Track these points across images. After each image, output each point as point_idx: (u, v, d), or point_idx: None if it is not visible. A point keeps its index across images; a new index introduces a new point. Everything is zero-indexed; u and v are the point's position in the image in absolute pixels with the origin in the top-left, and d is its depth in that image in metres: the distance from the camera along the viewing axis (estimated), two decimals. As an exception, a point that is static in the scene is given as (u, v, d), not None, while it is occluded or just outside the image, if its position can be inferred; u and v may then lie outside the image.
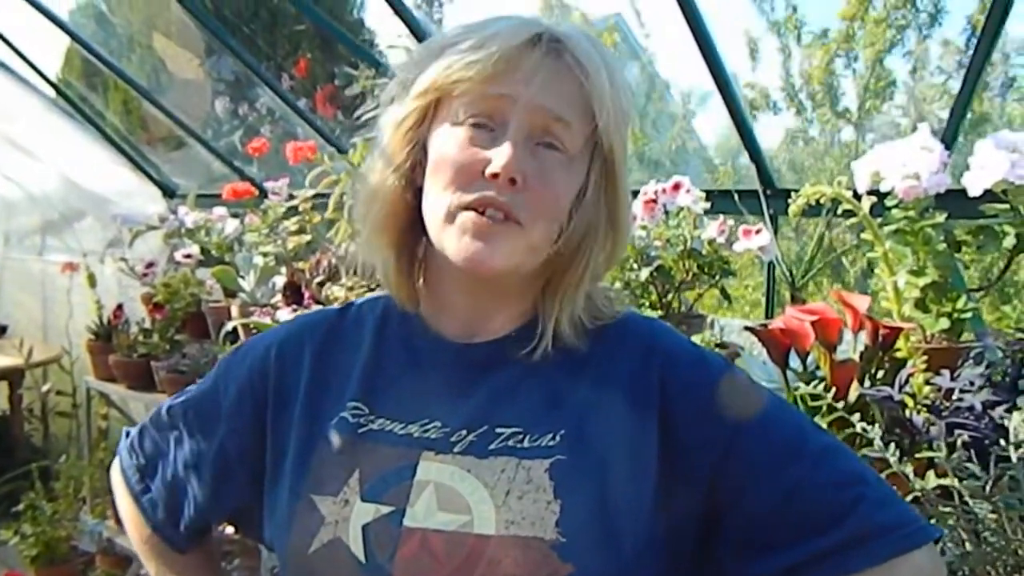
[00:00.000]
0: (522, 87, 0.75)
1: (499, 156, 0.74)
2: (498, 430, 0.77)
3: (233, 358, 0.94)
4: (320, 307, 2.05)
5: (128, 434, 0.99)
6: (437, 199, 0.78)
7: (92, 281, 3.15)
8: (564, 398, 0.79)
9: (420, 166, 0.81)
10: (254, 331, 2.08)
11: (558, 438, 0.76)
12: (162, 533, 0.94)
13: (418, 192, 0.81)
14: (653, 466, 0.76)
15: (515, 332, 0.83)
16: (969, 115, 1.74)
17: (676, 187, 1.61)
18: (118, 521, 2.91)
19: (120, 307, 3.01)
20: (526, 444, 0.76)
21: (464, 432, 0.78)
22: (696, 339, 1.47)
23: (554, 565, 0.70)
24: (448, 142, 0.77)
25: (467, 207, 0.76)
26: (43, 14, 3.35)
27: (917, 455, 1.04)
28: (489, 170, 0.75)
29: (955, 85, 3.72)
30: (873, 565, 0.71)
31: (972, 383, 1.14)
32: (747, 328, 1.41)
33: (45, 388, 3.78)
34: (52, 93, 3.92)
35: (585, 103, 0.76)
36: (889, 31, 3.68)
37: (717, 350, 1.48)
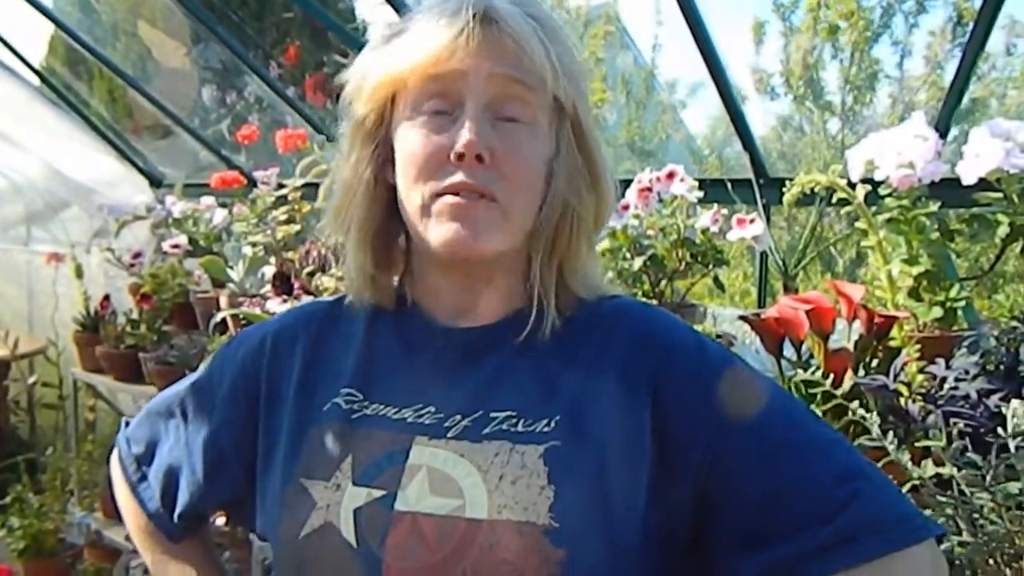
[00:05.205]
0: (470, 59, 0.74)
1: (461, 136, 0.74)
2: (492, 415, 0.77)
3: (227, 349, 0.94)
4: (311, 297, 2.03)
5: (127, 423, 1.00)
6: (410, 195, 0.78)
7: (78, 272, 3.12)
8: (558, 384, 0.78)
9: (390, 163, 0.81)
10: (243, 321, 2.06)
11: (553, 424, 0.75)
12: (157, 522, 0.95)
13: (391, 189, 0.81)
14: (647, 455, 0.75)
15: (509, 316, 0.82)
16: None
17: (670, 175, 1.60)
18: (106, 513, 2.92)
19: (107, 298, 2.97)
20: (520, 428, 0.75)
21: (458, 417, 0.77)
22: (690, 329, 1.46)
23: (547, 550, 0.70)
24: (409, 136, 0.77)
25: (440, 194, 0.75)
26: (27, 0, 3.30)
27: (914, 444, 1.04)
28: (454, 152, 0.74)
29: (941, 74, 3.72)
30: (869, 560, 0.69)
31: (967, 372, 1.13)
32: (741, 317, 1.41)
33: (31, 380, 3.75)
34: (36, 81, 3.86)
35: (536, 71, 0.75)
36: (861, 20, 3.65)
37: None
